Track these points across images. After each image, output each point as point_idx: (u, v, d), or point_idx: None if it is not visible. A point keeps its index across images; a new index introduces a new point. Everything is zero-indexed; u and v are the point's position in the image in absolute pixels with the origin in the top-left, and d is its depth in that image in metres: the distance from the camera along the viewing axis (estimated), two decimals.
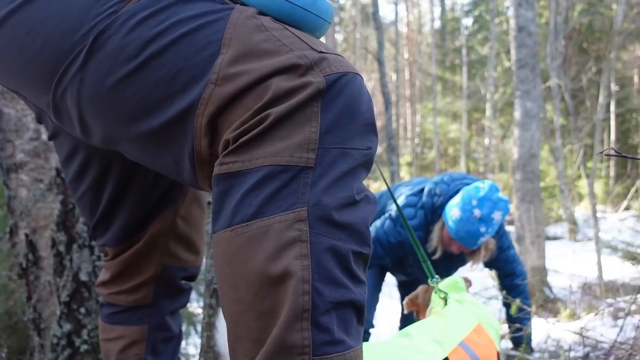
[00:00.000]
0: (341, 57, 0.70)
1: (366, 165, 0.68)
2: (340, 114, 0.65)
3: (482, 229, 2.05)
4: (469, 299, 1.35)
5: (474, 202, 2.04)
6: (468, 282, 1.59)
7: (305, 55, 0.66)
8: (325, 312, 0.61)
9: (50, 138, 0.98)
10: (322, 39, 0.78)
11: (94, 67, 0.69)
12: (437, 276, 1.37)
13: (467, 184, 2.18)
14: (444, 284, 1.42)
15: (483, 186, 2.08)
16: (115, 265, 1.07)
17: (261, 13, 0.73)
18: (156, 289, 1.10)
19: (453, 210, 2.08)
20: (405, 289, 2.58)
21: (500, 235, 2.31)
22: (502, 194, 2.08)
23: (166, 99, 0.68)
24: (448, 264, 2.36)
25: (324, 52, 0.68)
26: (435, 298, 1.36)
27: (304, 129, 0.63)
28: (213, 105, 0.66)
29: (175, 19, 0.68)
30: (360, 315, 0.66)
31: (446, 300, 1.32)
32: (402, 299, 2.57)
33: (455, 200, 2.10)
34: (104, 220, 1.02)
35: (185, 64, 0.67)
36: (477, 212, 2.03)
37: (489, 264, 2.41)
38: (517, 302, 2.06)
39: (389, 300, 3.92)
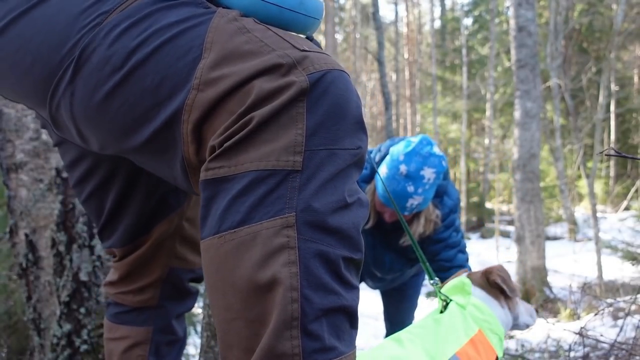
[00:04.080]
0: (325, 54, 0.68)
1: (357, 165, 0.67)
2: (326, 113, 0.64)
3: (410, 188, 1.74)
4: (474, 301, 1.29)
5: (401, 158, 1.75)
6: (499, 275, 1.36)
7: (287, 55, 0.65)
8: (315, 320, 0.60)
9: (55, 145, 0.99)
10: (322, 39, 0.77)
11: (82, 80, 0.69)
12: (436, 278, 1.32)
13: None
14: (450, 285, 1.36)
15: (414, 140, 1.79)
16: (122, 266, 1.07)
17: (246, 15, 0.72)
18: (162, 291, 1.10)
19: (382, 168, 1.82)
20: (386, 295, 2.39)
21: (447, 211, 1.93)
22: (436, 149, 1.77)
23: (154, 108, 0.67)
24: (387, 247, 2.03)
25: (306, 51, 0.66)
26: (439, 299, 1.33)
27: (289, 131, 0.62)
28: (197, 111, 0.64)
29: (157, 26, 0.67)
30: (352, 321, 0.65)
31: (447, 304, 1.28)
32: (385, 306, 2.41)
33: (386, 158, 1.84)
34: (111, 222, 1.02)
35: (169, 71, 0.66)
36: (402, 168, 1.74)
37: (426, 248, 1.92)
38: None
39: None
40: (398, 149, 1.79)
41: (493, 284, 1.35)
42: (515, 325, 1.42)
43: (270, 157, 0.61)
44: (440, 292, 1.31)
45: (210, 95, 0.64)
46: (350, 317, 0.64)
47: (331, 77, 0.65)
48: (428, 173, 1.74)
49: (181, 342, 1.18)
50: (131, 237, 1.03)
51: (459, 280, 1.36)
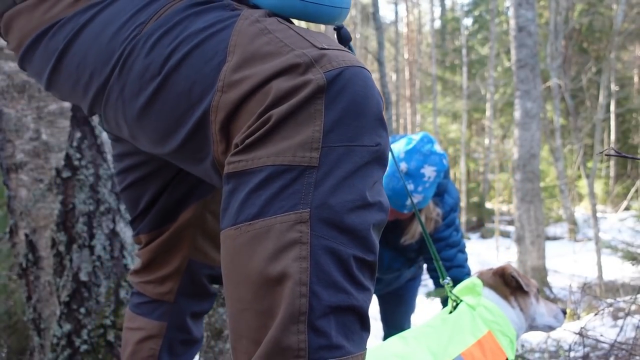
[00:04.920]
0: (345, 51, 0.69)
1: (378, 162, 0.67)
2: (345, 110, 0.64)
3: (410, 186, 1.74)
4: (485, 302, 1.28)
5: (402, 155, 1.75)
6: (514, 269, 1.35)
7: (305, 54, 0.66)
8: (322, 316, 0.60)
9: (113, 140, 1.07)
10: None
11: (129, 88, 0.75)
12: (448, 278, 1.31)
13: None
14: (460, 285, 1.35)
15: (415, 137, 1.79)
16: (146, 252, 1.11)
17: (273, 14, 0.74)
18: (180, 286, 1.13)
19: None
20: (383, 299, 2.37)
21: (447, 209, 1.92)
22: (437, 147, 1.78)
23: (188, 111, 0.71)
24: (385, 245, 1.98)
25: (325, 49, 0.67)
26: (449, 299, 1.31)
27: (307, 128, 0.63)
28: (222, 112, 0.67)
29: (186, 33, 0.72)
30: (363, 322, 0.65)
31: (457, 304, 1.27)
32: (381, 310, 2.39)
33: None
34: (145, 212, 1.08)
35: (198, 76, 0.70)
36: (403, 166, 1.74)
37: (427, 247, 1.86)
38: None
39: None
40: (398, 147, 1.78)
41: (510, 278, 1.34)
42: (534, 327, 1.38)
43: (287, 152, 0.63)
44: (451, 292, 1.30)
45: (233, 96, 0.67)
46: (360, 317, 0.64)
47: (349, 74, 0.66)
48: (429, 171, 1.74)
49: (198, 344, 1.21)
50: (158, 223, 1.08)
51: (470, 280, 1.35)
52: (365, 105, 0.65)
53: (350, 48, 0.84)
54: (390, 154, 1.82)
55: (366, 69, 0.69)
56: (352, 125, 0.64)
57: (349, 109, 0.64)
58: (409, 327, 2.33)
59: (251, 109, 0.66)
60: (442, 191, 1.91)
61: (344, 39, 0.83)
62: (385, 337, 2.36)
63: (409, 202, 1.78)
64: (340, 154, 0.63)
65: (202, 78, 0.69)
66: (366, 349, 0.66)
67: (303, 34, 0.70)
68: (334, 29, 0.83)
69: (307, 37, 0.69)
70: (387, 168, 1.76)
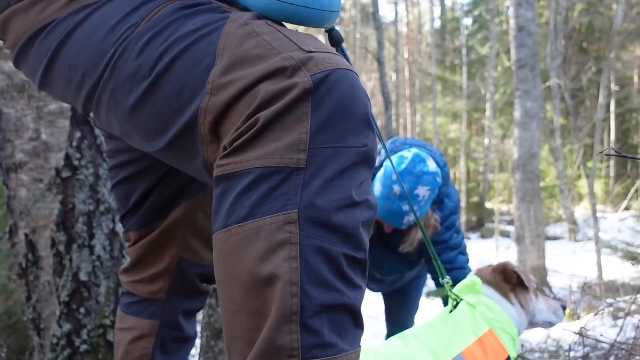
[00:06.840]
0: (333, 54, 0.70)
1: (366, 162, 0.68)
2: (332, 112, 0.65)
3: (405, 208, 1.77)
4: (485, 301, 1.28)
5: (394, 177, 1.76)
6: (515, 265, 1.37)
7: (292, 57, 0.67)
8: (315, 315, 0.61)
9: (107, 137, 1.08)
10: (322, 39, 0.79)
11: (120, 89, 0.76)
12: (447, 277, 1.31)
13: (402, 151, 1.85)
14: (461, 285, 1.34)
15: (407, 156, 1.78)
16: (135, 250, 1.11)
17: (262, 17, 0.75)
18: (171, 284, 1.13)
19: (376, 185, 1.80)
20: (388, 297, 2.39)
21: (447, 213, 1.93)
22: (430, 165, 1.78)
23: (178, 112, 0.72)
24: (386, 249, 2.01)
25: (312, 52, 0.68)
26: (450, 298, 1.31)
27: (294, 130, 0.64)
28: (211, 114, 0.68)
29: (176, 36, 0.72)
30: (357, 320, 0.65)
31: (457, 303, 1.27)
32: (386, 308, 2.41)
33: (380, 172, 1.81)
34: (135, 208, 1.08)
35: (187, 78, 0.70)
36: (396, 189, 1.75)
37: (427, 250, 2.00)
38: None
39: None
40: (391, 167, 1.75)
41: (512, 274, 1.34)
42: (534, 324, 1.38)
43: (275, 155, 0.63)
44: (451, 291, 1.30)
45: (222, 99, 0.67)
46: (353, 315, 0.64)
47: (336, 77, 0.66)
48: (422, 191, 1.76)
49: (191, 342, 1.20)
50: (149, 221, 1.09)
51: (470, 279, 1.35)
52: (351, 107, 0.66)
53: (342, 50, 0.84)
54: (383, 173, 1.77)
55: (354, 72, 0.69)
56: (338, 127, 0.65)
57: (336, 111, 0.65)
58: (412, 326, 2.34)
59: (239, 112, 0.66)
60: (442, 198, 1.92)
61: (335, 41, 0.84)
62: (389, 336, 2.38)
63: (405, 220, 1.81)
64: (327, 156, 0.64)
65: (192, 81, 0.70)
66: (360, 346, 0.67)
67: (291, 37, 0.70)
68: (326, 32, 0.84)
69: (295, 40, 0.70)
70: (382, 189, 1.76)
